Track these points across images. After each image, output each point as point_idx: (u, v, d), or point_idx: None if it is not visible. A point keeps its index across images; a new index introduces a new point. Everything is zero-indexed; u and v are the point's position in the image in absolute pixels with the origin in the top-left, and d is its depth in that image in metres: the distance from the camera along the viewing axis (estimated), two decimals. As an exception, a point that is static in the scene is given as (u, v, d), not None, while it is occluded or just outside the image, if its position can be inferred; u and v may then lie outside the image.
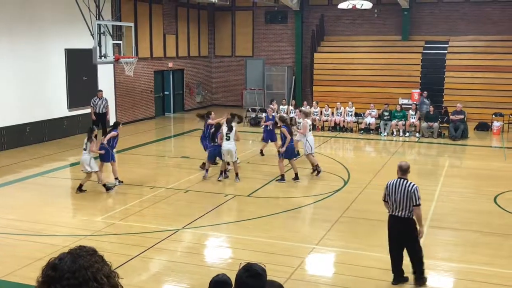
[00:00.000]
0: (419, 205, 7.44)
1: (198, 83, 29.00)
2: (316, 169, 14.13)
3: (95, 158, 12.73)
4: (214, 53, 30.30)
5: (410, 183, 7.52)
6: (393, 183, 7.55)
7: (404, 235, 7.58)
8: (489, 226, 10.31)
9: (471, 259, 8.70)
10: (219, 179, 13.57)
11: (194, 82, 28.64)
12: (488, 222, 10.58)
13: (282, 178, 13.49)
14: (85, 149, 12.40)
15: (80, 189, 12.46)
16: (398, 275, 7.68)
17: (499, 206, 11.61)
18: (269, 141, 16.59)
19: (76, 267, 1.92)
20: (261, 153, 16.77)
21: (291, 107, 22.60)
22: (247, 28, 29.44)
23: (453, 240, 9.73)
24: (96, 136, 12.67)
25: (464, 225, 10.41)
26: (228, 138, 13.32)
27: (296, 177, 13.59)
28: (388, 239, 7.72)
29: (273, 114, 17.10)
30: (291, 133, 13.48)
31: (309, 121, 14.49)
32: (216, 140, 13.57)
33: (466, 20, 25.92)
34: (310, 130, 14.37)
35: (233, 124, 13.59)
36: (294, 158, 14.03)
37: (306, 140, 14.13)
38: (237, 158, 13.97)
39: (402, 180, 7.55)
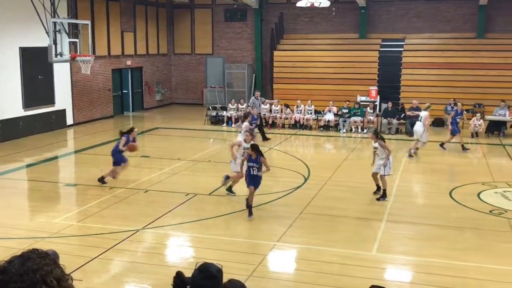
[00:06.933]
0: None
1: (157, 81, 28.73)
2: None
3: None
4: (174, 51, 30.06)
5: None
6: None
7: None
8: (445, 220, 10.58)
9: (428, 253, 8.91)
10: None
11: (153, 80, 28.36)
12: (443, 216, 10.85)
13: None
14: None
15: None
16: None
17: (454, 200, 11.92)
18: None
19: (24, 269, 1.89)
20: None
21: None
22: (207, 25, 29.32)
23: (410, 234, 9.94)
24: None
25: (420, 219, 10.64)
26: None
27: None
28: None
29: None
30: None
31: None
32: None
33: (421, 18, 26.49)
34: None
35: None
36: None
37: None
38: None
39: None
